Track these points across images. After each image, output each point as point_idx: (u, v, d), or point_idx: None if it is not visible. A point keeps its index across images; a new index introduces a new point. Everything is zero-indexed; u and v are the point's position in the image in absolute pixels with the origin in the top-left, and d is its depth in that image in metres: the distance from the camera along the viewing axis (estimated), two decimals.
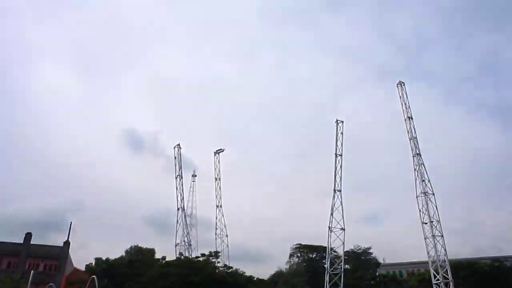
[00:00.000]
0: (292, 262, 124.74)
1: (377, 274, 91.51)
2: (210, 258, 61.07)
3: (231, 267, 70.74)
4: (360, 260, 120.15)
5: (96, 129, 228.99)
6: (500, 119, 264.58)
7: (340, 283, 63.98)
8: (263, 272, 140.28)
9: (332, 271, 67.04)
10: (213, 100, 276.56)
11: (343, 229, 66.43)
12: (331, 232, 67.15)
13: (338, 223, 67.13)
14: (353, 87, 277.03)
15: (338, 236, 67.26)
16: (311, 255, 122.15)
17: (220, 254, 63.73)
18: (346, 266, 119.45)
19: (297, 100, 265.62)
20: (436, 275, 63.10)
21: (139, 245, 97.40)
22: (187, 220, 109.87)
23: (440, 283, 62.40)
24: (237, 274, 61.62)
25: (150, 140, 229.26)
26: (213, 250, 78.78)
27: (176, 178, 77.72)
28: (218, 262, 71.04)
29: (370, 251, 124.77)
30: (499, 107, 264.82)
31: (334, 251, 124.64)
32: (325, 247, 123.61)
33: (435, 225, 65.17)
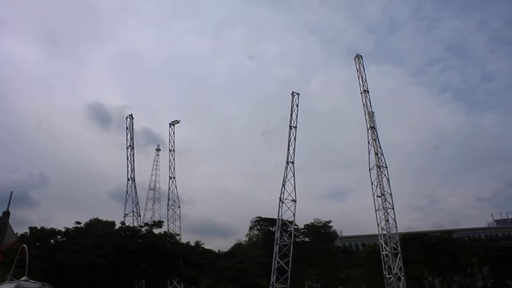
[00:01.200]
0: (251, 235, 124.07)
1: (334, 246, 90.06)
2: (153, 227, 58.24)
3: (176, 236, 68.69)
4: (320, 233, 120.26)
5: (62, 104, 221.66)
6: (464, 101, 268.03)
7: (289, 253, 62.29)
8: (229, 244, 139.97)
9: (283, 242, 65.16)
10: (182, 76, 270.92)
11: (294, 200, 64.53)
12: (282, 203, 65.05)
13: (290, 194, 64.94)
14: (322, 66, 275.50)
15: (289, 208, 65.08)
16: (270, 228, 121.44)
17: (163, 223, 60.93)
18: (306, 238, 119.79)
19: (265, 78, 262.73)
20: (386, 246, 62.32)
21: (99, 218, 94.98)
22: (152, 194, 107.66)
23: (388, 253, 61.67)
24: (179, 244, 59.18)
25: (117, 115, 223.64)
26: (177, 223, 76.85)
27: (127, 148, 74.82)
28: (174, 234, 68.96)
29: (330, 224, 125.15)
30: (463, 90, 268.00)
31: (295, 225, 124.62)
32: (285, 220, 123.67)
33: (387, 198, 64.25)
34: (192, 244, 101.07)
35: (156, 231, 59.41)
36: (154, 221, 60.99)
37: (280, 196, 65.35)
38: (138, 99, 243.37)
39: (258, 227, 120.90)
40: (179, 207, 79.07)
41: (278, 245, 64.16)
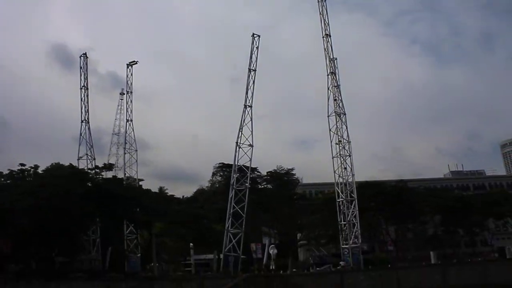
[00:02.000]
0: (214, 181, 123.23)
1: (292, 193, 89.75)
2: (104, 170, 55.76)
3: (139, 181, 66.79)
4: (282, 181, 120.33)
5: (23, 45, 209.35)
6: (433, 54, 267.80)
7: (245, 199, 61.29)
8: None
9: (239, 187, 64.00)
10: (149, 19, 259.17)
11: (251, 145, 62.83)
12: (239, 148, 63.28)
13: (247, 139, 63.09)
14: (292, 13, 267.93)
15: (245, 153, 63.39)
16: (234, 174, 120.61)
17: (115, 166, 58.28)
18: (269, 185, 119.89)
19: (234, 24, 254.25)
20: (340, 193, 62.09)
21: (61, 163, 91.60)
22: (116, 139, 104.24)
23: (342, 200, 61.56)
24: (131, 187, 57.12)
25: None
26: (135, 167, 74.23)
27: (80, 89, 70.46)
28: (130, 179, 66.93)
29: (293, 172, 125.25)
30: (432, 44, 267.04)
31: (257, 171, 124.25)
32: (247, 166, 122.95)
33: (344, 145, 63.37)
34: (156, 190, 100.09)
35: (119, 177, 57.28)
36: (104, 164, 58.31)
37: (237, 140, 63.51)
38: (105, 42, 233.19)
39: (221, 173, 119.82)
40: (136, 150, 76.08)
41: (234, 190, 62.90)
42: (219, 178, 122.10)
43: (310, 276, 52.19)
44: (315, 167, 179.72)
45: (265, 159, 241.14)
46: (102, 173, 55.50)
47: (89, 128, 69.80)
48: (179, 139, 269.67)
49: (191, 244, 58.99)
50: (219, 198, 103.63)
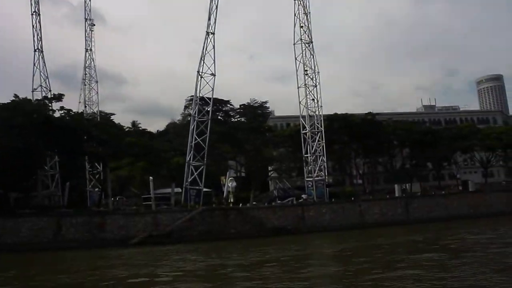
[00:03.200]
0: (185, 114, 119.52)
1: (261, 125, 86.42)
2: (53, 101, 51.34)
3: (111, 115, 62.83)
4: (255, 114, 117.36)
5: None
6: None
7: (207, 130, 58.24)
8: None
9: (201, 118, 60.65)
10: None
11: (213, 74, 58.71)
12: (201, 78, 59.17)
13: (209, 68, 58.85)
14: None
15: (208, 83, 59.45)
16: (206, 107, 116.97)
17: (64, 96, 53.70)
18: (242, 118, 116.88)
19: None
20: (306, 125, 59.39)
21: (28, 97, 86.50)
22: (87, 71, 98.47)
23: (307, 132, 59.00)
24: (82, 119, 53.14)
25: None
26: (95, 98, 69.97)
27: (32, 15, 64.24)
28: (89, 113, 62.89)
29: (267, 105, 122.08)
30: None
31: (230, 104, 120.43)
32: (221, 99, 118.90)
33: (312, 75, 59.80)
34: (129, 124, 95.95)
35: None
36: (54, 94, 53.66)
37: (199, 69, 59.24)
38: None
39: (198, 107, 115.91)
40: (97, 82, 71.73)
41: (195, 121, 59.63)
42: (191, 111, 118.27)
43: (270, 209, 50.51)
44: (292, 100, 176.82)
45: (243, 92, 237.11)
46: (51, 104, 50.85)
47: (43, 58, 64.50)
48: (156, 73, 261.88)
49: (150, 177, 56.35)
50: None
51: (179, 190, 56.68)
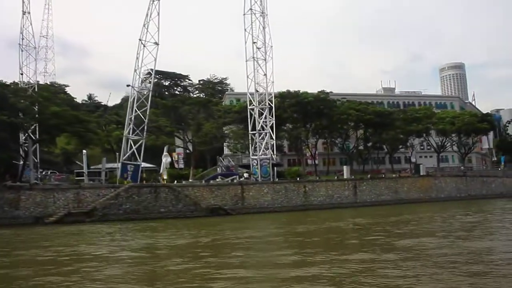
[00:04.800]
0: (143, 88, 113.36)
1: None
2: None
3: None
4: (215, 90, 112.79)
5: None
6: None
7: (147, 102, 53.58)
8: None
9: (142, 89, 55.77)
10: None
11: (156, 43, 53.61)
12: (144, 46, 53.95)
13: (152, 36, 53.72)
14: None
15: (150, 52, 54.32)
16: (164, 82, 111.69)
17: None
18: (201, 94, 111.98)
19: None
20: (253, 101, 55.42)
21: None
22: (44, 42, 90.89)
23: (254, 108, 55.08)
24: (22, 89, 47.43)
25: None
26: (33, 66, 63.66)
27: None
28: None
29: (227, 81, 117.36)
30: None
31: (189, 79, 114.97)
32: (179, 74, 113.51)
33: (262, 48, 55.60)
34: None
35: None
36: None
37: (141, 37, 54.02)
38: None
39: (150, 80, 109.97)
40: (35, 48, 65.22)
41: (136, 93, 54.79)
42: (149, 85, 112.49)
43: (207, 187, 46.48)
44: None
45: (207, 68, 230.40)
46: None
47: None
48: (122, 44, 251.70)
49: (83, 151, 51.47)
50: (144, 105, 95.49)
51: (114, 165, 52.33)
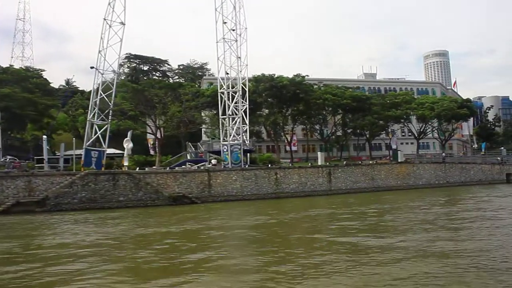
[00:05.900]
0: (120, 73, 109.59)
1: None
2: None
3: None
4: (195, 75, 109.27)
5: None
6: None
7: (113, 86, 50.15)
8: None
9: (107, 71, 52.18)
10: None
11: (122, 23, 49.88)
12: (110, 26, 50.16)
13: (118, 16, 50.00)
14: None
15: (116, 32, 50.54)
16: (142, 67, 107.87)
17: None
18: (181, 79, 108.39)
19: None
20: (223, 84, 52.37)
21: None
22: (21, 25, 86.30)
23: (224, 91, 52.09)
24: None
25: None
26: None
27: None
28: None
29: (208, 66, 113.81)
30: None
31: (168, 63, 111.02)
32: (158, 58, 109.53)
33: (234, 28, 52.34)
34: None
35: None
36: None
37: (105, 16, 50.26)
38: None
39: (128, 64, 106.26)
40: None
41: (101, 75, 51.08)
42: (126, 70, 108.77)
43: (171, 174, 43.56)
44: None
45: (193, 52, 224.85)
46: None
47: None
48: (97, 26, 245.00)
49: (44, 136, 48.20)
50: (121, 90, 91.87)
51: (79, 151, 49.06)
